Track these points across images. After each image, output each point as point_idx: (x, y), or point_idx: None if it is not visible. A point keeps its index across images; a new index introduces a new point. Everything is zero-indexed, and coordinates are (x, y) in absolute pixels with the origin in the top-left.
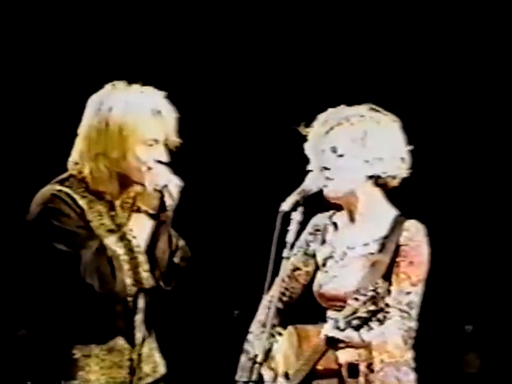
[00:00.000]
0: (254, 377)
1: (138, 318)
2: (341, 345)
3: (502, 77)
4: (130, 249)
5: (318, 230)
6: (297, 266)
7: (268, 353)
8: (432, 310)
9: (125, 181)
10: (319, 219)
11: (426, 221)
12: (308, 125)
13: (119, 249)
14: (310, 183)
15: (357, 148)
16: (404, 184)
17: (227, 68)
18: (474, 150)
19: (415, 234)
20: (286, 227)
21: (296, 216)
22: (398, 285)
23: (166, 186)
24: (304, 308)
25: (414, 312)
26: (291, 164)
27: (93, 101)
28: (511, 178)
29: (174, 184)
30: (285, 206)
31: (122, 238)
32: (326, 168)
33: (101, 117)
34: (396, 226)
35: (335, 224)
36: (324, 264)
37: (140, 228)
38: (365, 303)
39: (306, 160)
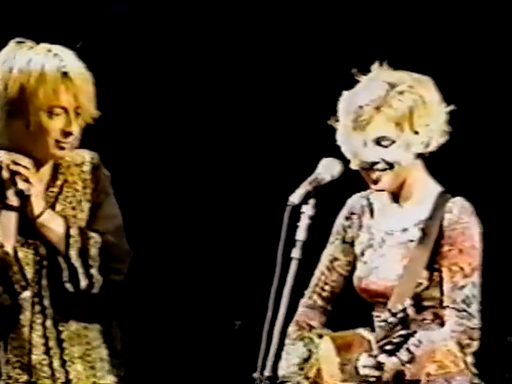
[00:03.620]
0: None
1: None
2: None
3: None
4: None
5: (353, 214)
6: (335, 256)
7: (305, 362)
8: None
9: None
10: (355, 200)
11: (474, 195)
12: (333, 112)
13: None
14: (323, 171)
15: (405, 133)
16: (443, 151)
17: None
18: None
19: (460, 216)
20: (295, 223)
21: (307, 210)
22: (450, 279)
23: (7, 166)
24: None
25: (474, 308)
26: (300, 150)
27: None
28: None
29: (9, 161)
30: (294, 198)
31: None
32: (374, 163)
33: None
34: (439, 206)
35: (372, 206)
36: (362, 254)
37: (4, 225)
38: (395, 325)
39: (317, 146)
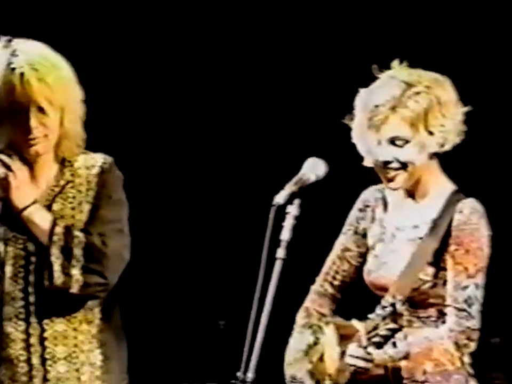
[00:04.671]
0: None
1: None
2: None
3: None
4: None
5: (367, 206)
6: (347, 246)
7: (310, 350)
8: None
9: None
10: (370, 193)
11: (486, 194)
12: (349, 110)
13: None
14: (308, 171)
15: (419, 133)
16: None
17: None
18: None
19: (469, 217)
20: (280, 223)
21: (292, 210)
22: (453, 278)
23: None
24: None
25: (474, 309)
26: (286, 150)
27: None
28: None
29: None
30: (279, 198)
31: None
32: (387, 162)
33: None
34: (449, 206)
35: (386, 199)
36: (373, 247)
37: None
38: (384, 318)
39: (302, 146)
